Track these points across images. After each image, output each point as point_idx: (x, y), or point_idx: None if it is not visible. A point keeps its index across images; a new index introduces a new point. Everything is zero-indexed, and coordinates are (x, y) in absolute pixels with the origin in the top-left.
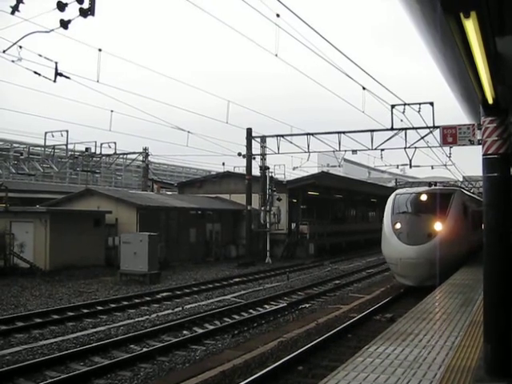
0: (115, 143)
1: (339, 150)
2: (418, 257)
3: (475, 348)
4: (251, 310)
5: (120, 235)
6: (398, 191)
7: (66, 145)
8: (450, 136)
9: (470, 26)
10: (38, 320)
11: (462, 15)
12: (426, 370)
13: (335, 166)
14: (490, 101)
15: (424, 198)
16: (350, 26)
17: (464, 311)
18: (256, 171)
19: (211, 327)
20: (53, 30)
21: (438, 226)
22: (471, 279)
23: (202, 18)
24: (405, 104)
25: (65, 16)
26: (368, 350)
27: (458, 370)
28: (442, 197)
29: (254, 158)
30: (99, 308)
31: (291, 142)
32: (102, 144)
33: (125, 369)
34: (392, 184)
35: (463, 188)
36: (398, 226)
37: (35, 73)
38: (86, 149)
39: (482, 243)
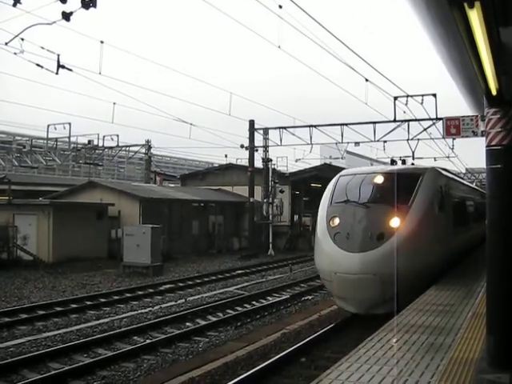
0: (118, 135)
1: (342, 142)
2: (362, 270)
3: (478, 340)
4: (254, 302)
5: (123, 227)
6: (343, 171)
7: (69, 137)
8: (454, 127)
9: (474, 17)
10: (42, 312)
11: (466, 5)
12: (428, 362)
13: (338, 158)
14: (494, 92)
15: (377, 180)
16: (353, 18)
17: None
18: (259, 163)
19: (214, 319)
20: (55, 22)
21: (396, 223)
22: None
23: (205, 9)
24: (407, 96)
25: (66, 8)
26: (371, 342)
27: (460, 362)
28: (404, 179)
29: (257, 150)
30: (102, 300)
31: (294, 134)
32: (104, 136)
33: (128, 360)
34: None
35: (447, 170)
36: (336, 222)
37: (37, 65)
38: (89, 141)
39: (472, 245)
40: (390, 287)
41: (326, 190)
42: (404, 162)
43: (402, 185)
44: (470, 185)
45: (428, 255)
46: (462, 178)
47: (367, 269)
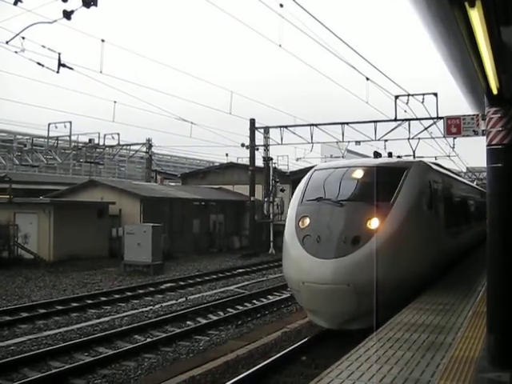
0: (118, 134)
1: (342, 141)
2: (333, 279)
3: (478, 339)
4: (255, 301)
5: (124, 226)
6: (319, 165)
7: (70, 136)
8: (454, 126)
9: (475, 16)
10: (42, 311)
11: (467, 4)
12: (429, 361)
13: (339, 157)
14: (495, 91)
15: (356, 175)
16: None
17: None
18: (259, 162)
19: (215, 318)
20: (56, 21)
21: (375, 224)
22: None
23: (206, 8)
24: (408, 95)
25: (68, 6)
26: (371, 341)
27: (461, 361)
28: (386, 174)
29: (258, 149)
30: (103, 299)
31: (294, 133)
32: (105, 135)
33: (129, 359)
34: None
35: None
36: (305, 223)
37: (38, 64)
38: (90, 140)
39: (468, 247)
40: (367, 299)
41: (299, 186)
42: (390, 155)
43: (383, 180)
44: (466, 181)
45: (413, 261)
46: (458, 175)
47: (339, 278)
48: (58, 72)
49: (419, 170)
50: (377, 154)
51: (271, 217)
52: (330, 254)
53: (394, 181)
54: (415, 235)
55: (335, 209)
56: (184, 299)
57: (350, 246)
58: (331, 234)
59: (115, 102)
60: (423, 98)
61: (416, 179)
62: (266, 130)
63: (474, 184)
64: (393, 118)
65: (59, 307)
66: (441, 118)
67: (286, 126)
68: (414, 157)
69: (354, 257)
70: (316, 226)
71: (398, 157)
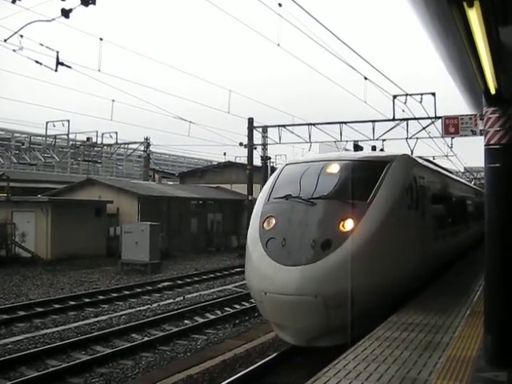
0: (116, 133)
1: (341, 141)
2: (298, 290)
3: (476, 338)
4: (252, 300)
5: (121, 225)
6: (292, 159)
7: (68, 134)
8: (452, 126)
9: (473, 16)
10: (40, 309)
11: (465, 4)
12: (426, 360)
13: None
14: (493, 91)
15: (330, 170)
16: (352, 16)
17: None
18: (257, 161)
19: (212, 317)
20: (54, 19)
21: (349, 225)
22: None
23: (204, 7)
24: (406, 94)
25: (66, 5)
26: (369, 340)
27: (458, 360)
28: (364, 168)
29: (256, 148)
30: (100, 297)
31: (292, 132)
32: (103, 134)
33: (126, 358)
34: None
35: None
36: (270, 224)
37: (36, 62)
38: (88, 138)
39: (462, 250)
40: (339, 312)
41: (267, 182)
42: (374, 149)
43: (361, 176)
44: (460, 179)
45: (394, 268)
46: (450, 172)
47: (305, 288)
48: (56, 70)
49: (403, 164)
50: (357, 147)
51: None
52: (296, 260)
53: (372, 176)
54: (396, 238)
55: (304, 208)
56: (181, 298)
57: (320, 250)
58: (298, 237)
59: (113, 100)
60: (421, 98)
61: (399, 174)
62: (264, 129)
63: (472, 184)
64: (391, 117)
65: (57, 306)
66: (439, 117)
67: (284, 126)
68: None
69: (324, 263)
70: (282, 228)
71: (381, 150)
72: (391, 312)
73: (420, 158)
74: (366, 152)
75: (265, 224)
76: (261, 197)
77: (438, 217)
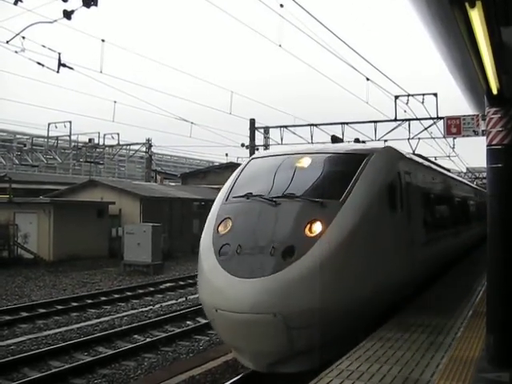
0: (118, 134)
1: (343, 141)
2: (254, 307)
3: (478, 339)
4: None
5: (123, 226)
6: (258, 153)
7: (70, 136)
8: (454, 127)
9: (475, 16)
10: (42, 310)
11: (467, 5)
12: (428, 361)
13: None
14: (495, 91)
15: (300, 164)
16: (354, 17)
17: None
18: None
19: None
20: (56, 21)
21: (316, 229)
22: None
23: (205, 8)
24: (408, 95)
25: (68, 6)
26: (371, 341)
27: (460, 361)
28: (339, 163)
29: (258, 149)
30: (103, 298)
31: (294, 133)
32: (105, 135)
33: (129, 359)
34: None
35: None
36: (226, 228)
37: (38, 63)
38: (90, 140)
39: (459, 254)
40: (303, 334)
41: (230, 178)
42: (358, 141)
43: (334, 171)
44: (456, 176)
45: (372, 279)
46: (445, 169)
47: (262, 305)
48: (58, 72)
49: (384, 157)
50: (335, 139)
51: None
52: (252, 270)
53: (347, 172)
54: (375, 244)
55: (266, 209)
56: (184, 299)
57: (280, 259)
58: (256, 243)
59: (115, 101)
60: (423, 98)
61: (379, 169)
62: (266, 130)
63: (474, 184)
64: (393, 118)
65: (59, 307)
66: (441, 118)
67: (285, 126)
68: None
69: (284, 275)
70: (238, 232)
71: (363, 142)
72: (372, 329)
73: (420, 156)
74: (345, 144)
75: (220, 228)
76: (219, 196)
77: (428, 219)
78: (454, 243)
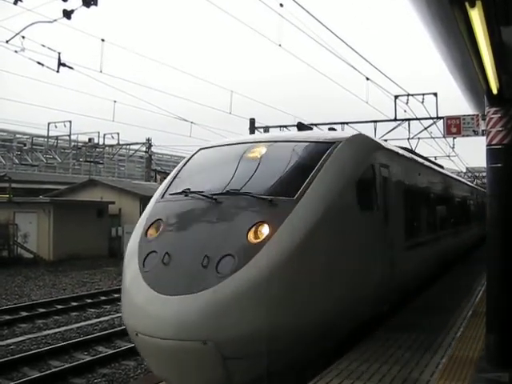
0: (118, 134)
1: (311, 129)
2: (179, 332)
3: (478, 339)
4: None
5: (123, 225)
6: (209, 143)
7: (69, 135)
8: (454, 126)
9: (475, 16)
10: (42, 310)
11: (467, 4)
12: (428, 361)
13: None
14: (495, 91)
15: (251, 155)
16: (354, 17)
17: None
18: None
19: None
20: (56, 20)
21: (263, 233)
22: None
23: (205, 8)
24: (408, 95)
25: (68, 6)
26: (370, 341)
27: (460, 361)
28: (298, 153)
29: None
30: (103, 298)
31: None
32: (105, 134)
33: (128, 358)
34: None
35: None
36: (158, 231)
37: (38, 63)
38: (89, 139)
39: (450, 259)
40: (242, 365)
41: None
42: (333, 130)
43: (292, 162)
44: (447, 172)
45: (335, 293)
46: (434, 163)
47: (189, 330)
48: (57, 71)
49: (354, 147)
50: (302, 126)
51: None
52: (179, 286)
53: (307, 164)
54: (337, 250)
55: (204, 208)
56: None
57: (214, 272)
58: (187, 252)
59: (115, 101)
60: (423, 98)
61: (346, 161)
62: (266, 129)
63: (474, 183)
64: (392, 117)
65: (59, 306)
66: (441, 117)
67: (285, 126)
68: None
69: (218, 291)
70: (168, 237)
71: (332, 129)
72: (340, 352)
73: (406, 149)
74: (311, 132)
75: (150, 231)
76: (156, 192)
77: (412, 220)
78: (446, 246)
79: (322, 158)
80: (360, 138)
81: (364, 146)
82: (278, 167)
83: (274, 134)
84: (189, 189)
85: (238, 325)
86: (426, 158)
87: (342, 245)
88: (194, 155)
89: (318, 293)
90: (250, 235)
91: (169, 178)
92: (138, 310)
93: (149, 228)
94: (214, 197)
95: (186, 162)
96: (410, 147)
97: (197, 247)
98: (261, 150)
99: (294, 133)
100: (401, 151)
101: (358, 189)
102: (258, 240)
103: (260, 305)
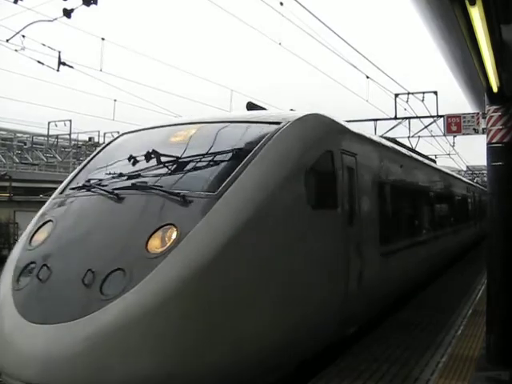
0: (118, 133)
1: (264, 110)
2: (46, 375)
3: (478, 338)
4: None
5: None
6: (137, 128)
7: (70, 134)
8: (455, 125)
9: (476, 14)
10: None
11: (467, 3)
12: (428, 359)
13: None
14: (495, 89)
15: (176, 140)
16: (355, 16)
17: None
18: None
19: None
20: (56, 19)
21: (168, 238)
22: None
23: (205, 7)
24: (408, 93)
25: (68, 5)
26: (370, 340)
27: (460, 359)
28: (232, 138)
29: None
30: None
31: None
32: (105, 133)
33: None
34: None
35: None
36: (42, 236)
37: (38, 62)
38: (90, 138)
39: (438, 267)
40: None
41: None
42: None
43: (221, 149)
44: (435, 166)
45: (278, 318)
46: (421, 155)
47: (58, 372)
48: (58, 70)
49: (305, 128)
50: (252, 106)
51: None
52: (50, 310)
53: (239, 150)
54: (273, 264)
55: (102, 206)
56: None
57: (98, 292)
58: (69, 265)
59: (115, 100)
60: (423, 97)
61: (292, 146)
62: None
63: (474, 182)
64: (393, 116)
65: None
66: (441, 116)
67: None
68: None
69: (98, 320)
70: (52, 245)
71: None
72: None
73: (384, 137)
74: (258, 112)
75: (36, 236)
76: (59, 187)
77: (391, 221)
78: (433, 253)
79: (259, 142)
80: (315, 118)
81: (320, 127)
82: (204, 154)
83: (212, 113)
84: (89, 181)
85: (125, 365)
86: (413, 150)
87: (281, 253)
88: (112, 141)
89: (239, 321)
90: (152, 242)
91: (78, 168)
92: (2, 342)
93: (36, 232)
94: (115, 192)
95: (101, 150)
96: (410, 146)
97: (81, 259)
98: (188, 134)
99: (235, 113)
100: (376, 138)
101: (308, 181)
102: (162, 249)
103: (154, 339)
